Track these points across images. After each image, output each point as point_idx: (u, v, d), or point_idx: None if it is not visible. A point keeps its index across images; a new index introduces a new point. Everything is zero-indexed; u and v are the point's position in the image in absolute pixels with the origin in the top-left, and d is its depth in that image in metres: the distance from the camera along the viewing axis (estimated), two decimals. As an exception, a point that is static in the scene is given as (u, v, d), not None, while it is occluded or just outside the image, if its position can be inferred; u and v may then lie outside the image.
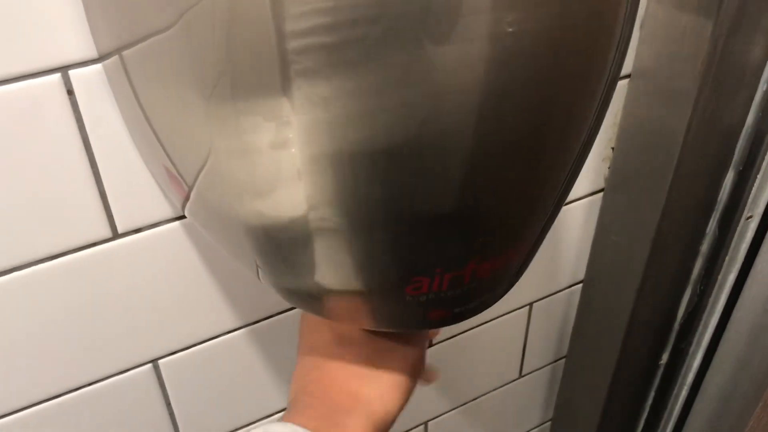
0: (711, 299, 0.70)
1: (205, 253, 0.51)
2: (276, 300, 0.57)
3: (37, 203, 0.43)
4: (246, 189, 0.32)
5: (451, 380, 0.77)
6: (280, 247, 0.35)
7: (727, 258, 0.67)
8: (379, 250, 0.33)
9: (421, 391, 0.74)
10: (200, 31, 0.29)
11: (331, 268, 0.34)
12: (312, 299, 0.36)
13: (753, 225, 0.64)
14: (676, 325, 0.74)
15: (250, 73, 0.28)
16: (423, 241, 0.32)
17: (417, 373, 0.42)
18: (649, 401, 0.82)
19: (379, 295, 0.35)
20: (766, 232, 0.64)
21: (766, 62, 0.56)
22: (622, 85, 0.61)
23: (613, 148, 0.66)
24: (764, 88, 0.57)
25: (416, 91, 0.28)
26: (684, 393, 0.78)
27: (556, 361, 0.85)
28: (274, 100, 0.28)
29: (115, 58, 0.38)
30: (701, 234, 0.67)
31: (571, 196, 0.67)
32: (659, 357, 0.77)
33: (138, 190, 0.46)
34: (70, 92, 0.41)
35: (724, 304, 0.70)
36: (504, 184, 0.32)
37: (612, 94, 0.34)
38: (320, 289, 0.35)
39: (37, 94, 0.40)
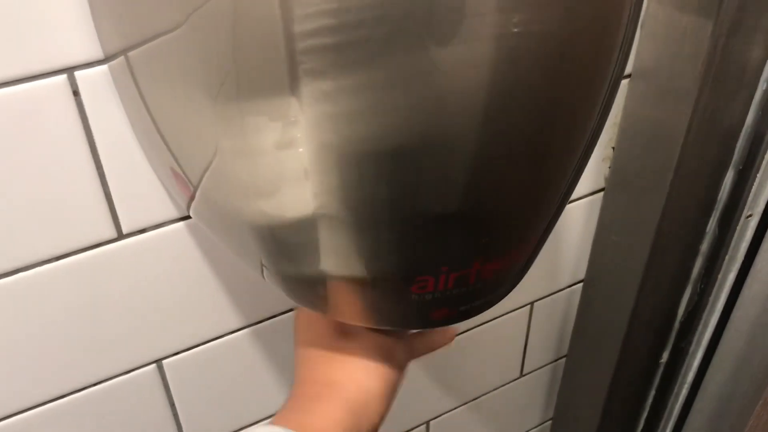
0: (711, 298, 0.71)
1: (209, 253, 0.51)
2: (279, 300, 0.57)
3: (42, 204, 0.43)
4: (253, 188, 0.33)
5: (452, 380, 0.78)
6: (286, 247, 0.35)
7: (727, 257, 0.67)
8: (386, 249, 0.33)
9: (423, 390, 0.75)
10: (207, 32, 0.29)
11: (337, 267, 0.34)
12: (317, 298, 0.37)
13: (753, 223, 0.64)
14: (677, 324, 0.75)
15: (258, 73, 0.28)
16: (429, 240, 0.32)
17: (394, 355, 0.42)
18: (650, 400, 0.82)
19: (385, 294, 0.35)
20: (766, 231, 0.64)
21: (765, 62, 0.56)
22: (622, 85, 0.61)
23: (613, 148, 0.66)
24: (764, 88, 0.58)
25: (422, 91, 0.28)
26: (684, 392, 0.79)
27: (556, 360, 0.86)
28: (281, 99, 0.28)
29: (121, 59, 0.38)
30: (701, 233, 0.67)
31: (572, 195, 0.68)
32: (659, 356, 0.78)
33: (143, 191, 0.46)
34: (75, 93, 0.41)
35: (724, 303, 0.70)
36: (509, 184, 0.32)
37: (615, 94, 0.34)
38: (326, 287, 0.36)
39: (43, 95, 0.40)
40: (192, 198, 0.39)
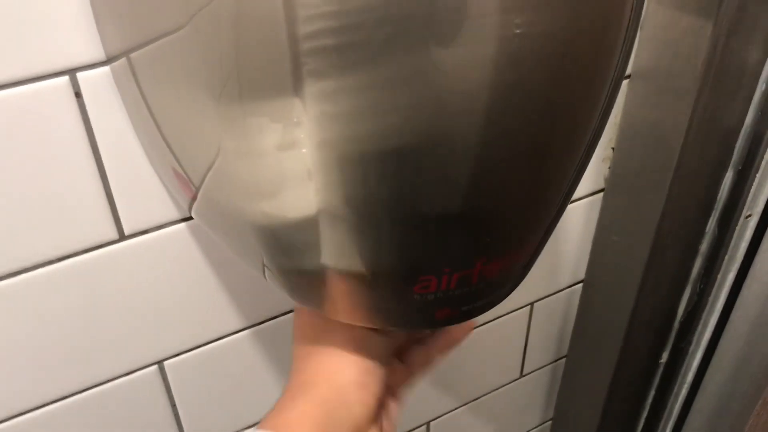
0: (711, 298, 0.71)
1: (210, 254, 0.51)
2: (280, 301, 0.57)
3: (44, 205, 0.44)
4: (257, 189, 0.33)
5: (452, 380, 0.78)
6: (289, 247, 0.35)
7: (726, 257, 0.67)
8: (388, 250, 0.33)
9: (423, 391, 0.75)
10: (210, 32, 0.29)
11: (340, 267, 0.34)
12: (320, 298, 0.37)
13: (752, 223, 0.64)
14: (676, 324, 0.75)
15: (261, 74, 0.29)
16: (431, 240, 0.32)
17: (369, 345, 0.41)
18: (649, 400, 0.82)
19: (388, 295, 0.35)
20: (765, 231, 0.64)
21: (764, 62, 0.57)
22: (622, 86, 0.61)
23: (613, 149, 0.66)
24: (763, 88, 0.58)
25: (425, 92, 0.28)
26: (684, 392, 0.79)
27: (556, 360, 0.86)
28: (285, 100, 0.28)
29: (123, 60, 0.38)
30: (701, 233, 0.67)
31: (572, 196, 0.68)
32: (659, 356, 0.78)
33: (144, 192, 0.46)
34: (78, 95, 0.41)
35: (724, 303, 0.70)
36: (511, 184, 0.32)
37: (616, 95, 0.34)
38: (328, 288, 0.36)
39: (46, 96, 0.40)
40: (194, 198, 0.39)
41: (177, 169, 0.39)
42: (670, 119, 0.58)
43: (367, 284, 0.34)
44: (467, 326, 0.47)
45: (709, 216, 0.66)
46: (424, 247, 0.32)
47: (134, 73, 0.37)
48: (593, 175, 0.68)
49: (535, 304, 0.76)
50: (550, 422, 0.94)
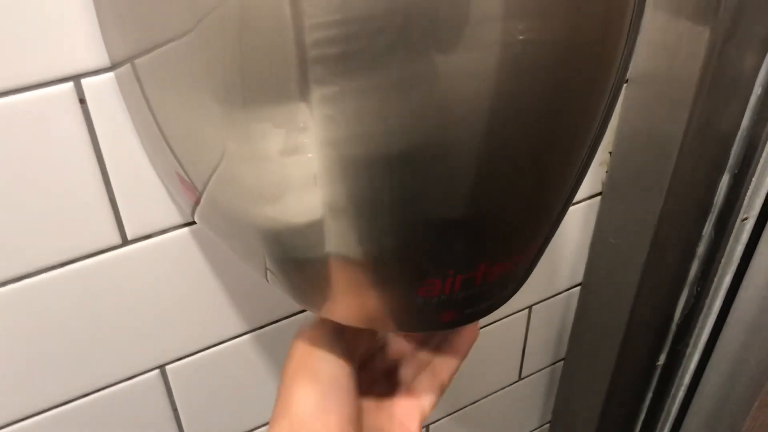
0: (707, 301, 0.71)
1: (212, 258, 0.52)
2: (281, 305, 0.57)
3: (47, 211, 0.44)
4: (262, 194, 0.33)
5: (451, 384, 0.78)
6: (293, 251, 0.35)
7: (723, 260, 0.68)
8: (393, 254, 0.33)
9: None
10: (217, 38, 0.29)
11: (344, 271, 0.34)
12: (323, 301, 0.37)
13: (748, 226, 0.65)
14: (673, 327, 0.75)
15: (268, 79, 0.29)
16: (436, 244, 0.32)
17: (323, 369, 0.40)
18: (647, 403, 0.83)
19: (392, 298, 0.35)
20: (761, 234, 0.65)
21: (759, 68, 0.57)
22: (619, 91, 0.62)
23: (610, 153, 0.67)
24: (758, 93, 0.58)
25: (429, 98, 0.28)
26: (681, 394, 0.79)
27: (554, 363, 0.86)
28: (291, 106, 0.29)
29: (127, 66, 0.38)
30: (698, 236, 0.68)
31: (570, 200, 0.68)
32: (656, 359, 0.78)
33: (147, 197, 0.46)
34: (82, 101, 0.41)
35: (721, 305, 0.71)
36: (514, 189, 0.32)
37: (617, 100, 0.35)
38: (332, 291, 0.36)
39: (50, 102, 0.40)
40: (197, 203, 0.40)
41: (181, 174, 0.39)
42: (667, 123, 0.59)
43: (372, 287, 0.35)
44: (474, 330, 0.47)
45: (705, 219, 0.66)
46: (429, 250, 0.33)
47: (138, 79, 0.38)
48: (591, 178, 0.69)
49: (534, 307, 0.77)
50: (548, 425, 0.94)
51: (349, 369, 0.41)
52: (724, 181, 0.64)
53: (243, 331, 0.57)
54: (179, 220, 0.49)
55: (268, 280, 0.39)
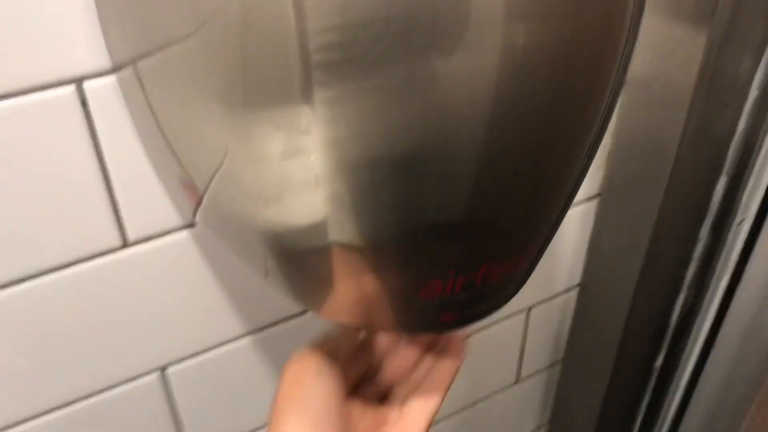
0: (705, 303, 0.72)
1: (212, 260, 0.52)
2: (282, 306, 0.57)
3: (48, 213, 0.44)
4: (265, 195, 0.33)
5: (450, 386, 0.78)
6: (295, 252, 0.35)
7: (720, 262, 0.68)
8: (394, 255, 0.33)
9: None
10: (221, 40, 0.29)
11: (345, 273, 0.35)
12: (325, 303, 0.37)
13: (745, 229, 0.65)
14: (671, 329, 0.76)
15: (271, 82, 0.29)
16: (438, 245, 0.33)
17: (312, 399, 0.40)
18: (645, 405, 0.83)
19: (393, 299, 0.35)
20: (757, 236, 0.65)
21: (756, 71, 0.58)
22: (617, 94, 0.62)
23: (608, 155, 0.67)
24: (755, 96, 0.59)
25: (432, 99, 0.29)
26: (679, 396, 0.80)
27: (552, 365, 0.86)
28: (294, 108, 0.29)
29: (129, 69, 0.38)
30: (695, 239, 0.68)
31: (568, 202, 0.69)
32: (654, 361, 0.79)
33: (148, 199, 0.46)
34: (84, 104, 0.41)
35: (718, 307, 0.71)
36: (516, 190, 0.33)
37: (616, 103, 0.35)
38: (333, 293, 0.36)
39: (52, 105, 0.41)
40: (198, 204, 0.40)
41: (182, 176, 0.39)
42: (664, 126, 0.59)
43: (373, 288, 0.35)
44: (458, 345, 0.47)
45: (702, 221, 0.67)
46: (430, 250, 0.33)
47: (140, 81, 0.38)
48: (588, 180, 0.69)
49: (532, 309, 0.77)
50: (546, 427, 0.94)
51: (341, 396, 0.40)
52: (721, 183, 0.64)
53: (243, 332, 0.57)
54: (180, 222, 0.49)
55: (268, 281, 0.40)
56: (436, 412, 0.45)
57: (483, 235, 0.33)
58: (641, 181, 0.64)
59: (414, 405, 0.45)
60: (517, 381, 0.84)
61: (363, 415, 0.44)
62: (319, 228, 0.33)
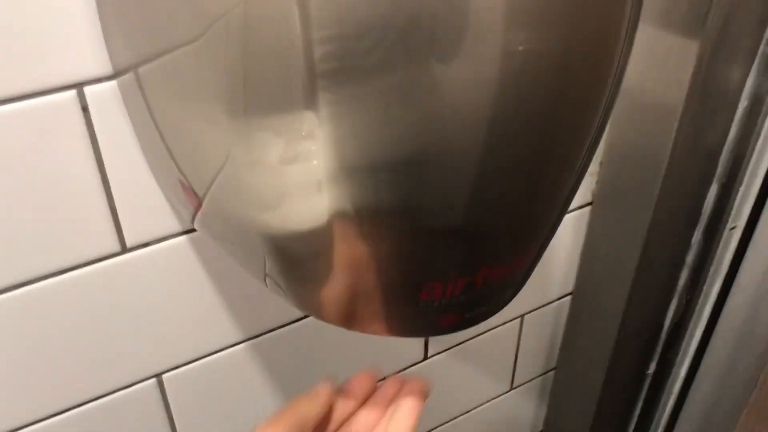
0: (697, 309, 0.72)
1: (210, 266, 0.52)
2: (278, 313, 0.58)
3: (47, 218, 0.44)
4: (267, 201, 0.34)
5: (443, 394, 0.78)
6: (297, 256, 0.36)
7: (712, 268, 0.69)
8: (395, 259, 0.34)
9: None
10: (225, 45, 0.30)
11: (347, 276, 0.35)
12: (327, 308, 0.37)
13: (736, 235, 0.66)
14: (663, 335, 0.76)
15: (276, 88, 0.29)
16: (439, 248, 0.33)
17: None
18: (638, 410, 0.83)
19: (394, 302, 0.36)
20: (749, 242, 0.66)
21: (746, 80, 0.59)
22: (609, 102, 0.63)
23: (601, 163, 0.68)
24: (745, 105, 0.60)
25: (432, 106, 0.29)
26: (672, 401, 0.80)
27: (546, 372, 0.87)
28: (298, 114, 0.29)
29: (130, 74, 0.39)
30: (687, 245, 0.69)
31: (561, 209, 0.69)
32: (647, 366, 0.79)
33: (147, 205, 0.47)
34: (84, 109, 0.42)
35: (710, 313, 0.72)
36: (515, 194, 0.33)
37: (611, 111, 0.36)
38: (334, 296, 0.36)
39: (53, 110, 0.41)
40: (198, 209, 0.40)
41: (182, 181, 0.40)
42: (656, 134, 0.60)
43: (374, 291, 0.35)
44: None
45: (694, 228, 0.67)
46: (432, 253, 0.33)
47: (142, 87, 0.38)
48: (581, 189, 0.69)
49: (525, 316, 0.77)
50: (539, 434, 0.95)
51: None
52: (713, 190, 0.65)
53: (239, 339, 0.57)
54: (178, 228, 0.49)
55: (267, 285, 0.40)
56: None
57: (483, 238, 0.34)
58: (633, 189, 0.65)
59: None
60: (511, 388, 0.84)
61: None
62: (321, 232, 0.33)
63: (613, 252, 0.70)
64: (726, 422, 0.74)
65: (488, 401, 0.83)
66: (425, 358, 0.72)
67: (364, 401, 0.43)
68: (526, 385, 0.86)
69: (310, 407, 0.40)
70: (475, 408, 0.83)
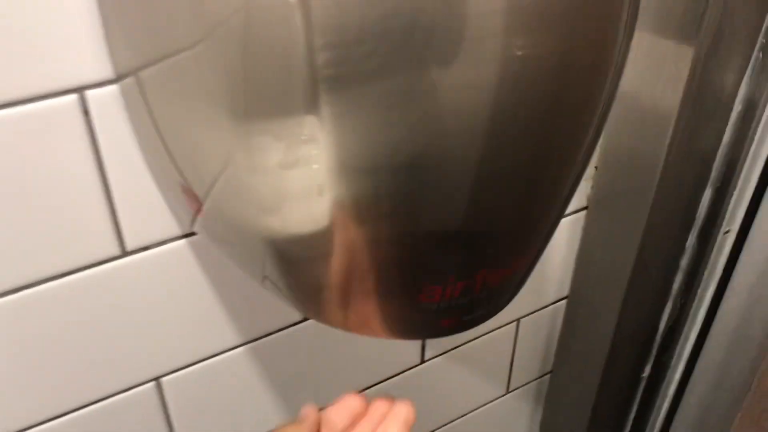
0: (691, 312, 0.73)
1: (209, 270, 0.52)
2: (277, 316, 0.58)
3: (48, 221, 0.44)
4: (267, 203, 0.34)
5: (440, 397, 0.78)
6: (298, 259, 0.36)
7: (706, 272, 0.69)
8: (396, 262, 0.34)
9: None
10: (226, 51, 0.30)
11: (347, 279, 0.35)
12: (328, 311, 0.38)
13: (730, 239, 0.67)
14: (658, 338, 0.77)
15: (277, 92, 0.30)
16: (438, 251, 0.34)
17: None
18: (633, 413, 0.84)
19: (394, 305, 0.36)
20: (742, 246, 0.67)
21: (740, 85, 0.59)
22: (605, 107, 0.63)
23: (596, 167, 0.68)
24: (739, 109, 0.60)
25: (434, 110, 0.29)
26: (666, 404, 0.81)
27: (541, 376, 0.87)
28: (300, 118, 0.30)
29: (132, 78, 0.39)
30: (681, 249, 0.69)
31: (557, 213, 0.69)
32: (642, 370, 0.79)
33: (147, 209, 0.47)
34: (86, 113, 0.42)
35: (704, 316, 0.72)
36: (513, 197, 0.34)
37: (608, 114, 0.36)
38: (334, 299, 0.37)
39: (54, 114, 0.41)
40: (198, 212, 0.40)
41: (183, 185, 0.40)
42: (651, 139, 0.61)
43: (374, 294, 0.35)
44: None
45: (689, 232, 0.68)
46: (431, 256, 0.34)
47: (143, 91, 0.38)
48: (576, 194, 0.70)
49: (521, 320, 0.78)
50: (535, 438, 0.95)
51: None
52: (707, 195, 0.66)
53: (238, 343, 0.57)
54: (178, 232, 0.49)
55: (267, 288, 0.40)
56: None
57: (482, 241, 0.34)
58: (628, 193, 0.65)
59: None
60: (507, 391, 0.85)
61: None
62: (321, 235, 0.33)
63: (608, 256, 0.71)
64: (720, 425, 0.75)
65: (484, 404, 0.84)
66: (422, 361, 0.72)
67: (353, 422, 0.42)
68: (522, 388, 0.86)
69: (299, 431, 0.40)
70: (471, 411, 0.83)
